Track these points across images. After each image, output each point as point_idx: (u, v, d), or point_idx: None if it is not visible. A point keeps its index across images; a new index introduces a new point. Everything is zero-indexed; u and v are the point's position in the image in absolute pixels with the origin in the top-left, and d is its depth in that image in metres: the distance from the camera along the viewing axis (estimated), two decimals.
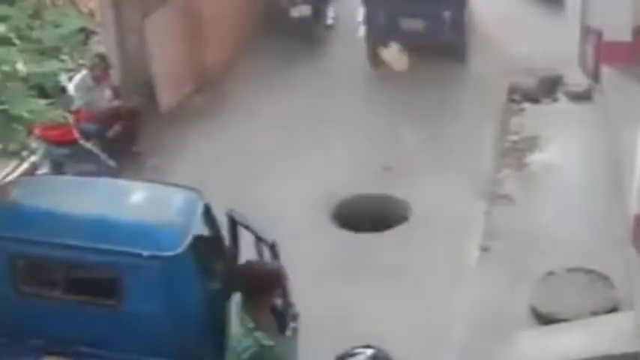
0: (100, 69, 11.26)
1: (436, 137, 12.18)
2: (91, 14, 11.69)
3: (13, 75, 6.99)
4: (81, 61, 9.88)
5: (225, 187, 10.11)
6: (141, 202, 7.68)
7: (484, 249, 10.00)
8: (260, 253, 7.46)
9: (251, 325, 5.66)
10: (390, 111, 12.84)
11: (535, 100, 13.22)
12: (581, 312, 8.75)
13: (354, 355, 4.84)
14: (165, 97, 12.68)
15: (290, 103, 12.95)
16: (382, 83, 13.76)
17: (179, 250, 6.94)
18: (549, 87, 13.35)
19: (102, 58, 11.40)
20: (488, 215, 10.59)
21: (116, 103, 11.54)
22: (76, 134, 10.63)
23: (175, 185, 8.10)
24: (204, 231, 7.54)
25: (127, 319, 7.02)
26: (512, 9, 15.42)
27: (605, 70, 12.90)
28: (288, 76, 13.65)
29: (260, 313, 5.76)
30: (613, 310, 8.76)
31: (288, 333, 7.12)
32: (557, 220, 10.30)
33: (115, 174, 10.23)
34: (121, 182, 8.77)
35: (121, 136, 11.41)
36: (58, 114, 7.70)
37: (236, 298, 5.86)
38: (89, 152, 10.67)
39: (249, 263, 5.95)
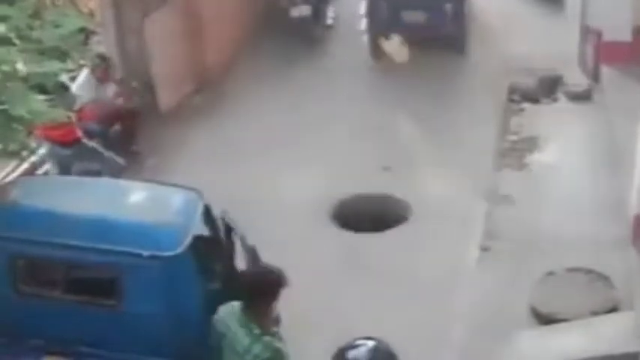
0: (102, 69, 11.26)
1: (436, 137, 12.18)
2: (91, 14, 11.70)
3: (13, 75, 6.99)
4: (82, 61, 9.88)
5: (225, 187, 10.11)
6: (141, 202, 7.68)
7: (484, 249, 10.00)
8: (249, 257, 7.48)
9: (257, 331, 5.67)
10: (390, 111, 12.84)
11: (535, 100, 13.22)
12: (581, 312, 8.75)
13: (355, 346, 4.85)
14: (165, 97, 12.68)
15: (290, 103, 12.95)
16: (382, 83, 13.76)
17: (179, 250, 6.94)
18: (549, 87, 13.35)
19: (103, 58, 11.40)
20: (489, 215, 10.59)
21: (121, 100, 11.50)
22: (79, 133, 10.61)
23: (175, 185, 8.11)
24: (204, 231, 7.54)
25: (126, 319, 7.02)
26: (512, 9, 15.43)
27: (605, 70, 12.91)
28: (288, 76, 13.65)
29: (263, 318, 5.76)
30: (613, 310, 8.76)
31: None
32: (557, 220, 10.30)
33: (121, 171, 10.23)
34: (121, 182, 8.78)
35: (121, 136, 11.41)
36: (59, 113, 7.70)
37: (233, 310, 5.85)
38: (93, 151, 10.65)
39: (250, 268, 5.95)
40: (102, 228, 7.10)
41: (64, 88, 10.35)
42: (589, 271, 9.23)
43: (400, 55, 13.75)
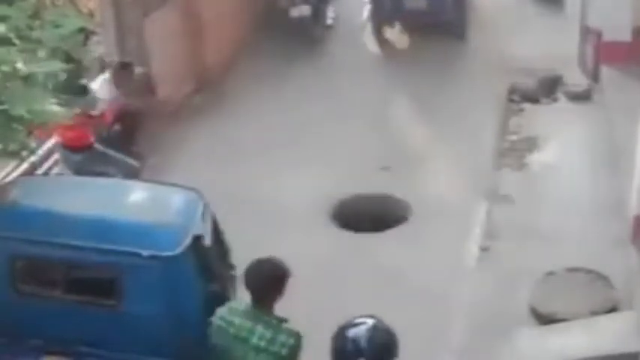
0: (120, 74, 11.01)
1: (436, 137, 12.19)
2: (91, 14, 11.67)
3: (13, 75, 6.99)
4: (83, 62, 9.86)
5: (225, 187, 10.12)
6: (141, 202, 7.67)
7: (484, 249, 10.00)
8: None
9: (274, 321, 5.71)
10: (390, 111, 12.86)
11: (535, 100, 13.23)
12: (581, 312, 8.75)
13: (355, 325, 4.98)
14: (166, 97, 12.67)
15: (290, 103, 12.96)
16: (382, 83, 13.77)
17: (179, 250, 6.93)
18: (549, 87, 13.35)
19: (125, 65, 11.18)
20: (489, 215, 10.60)
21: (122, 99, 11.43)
22: (92, 138, 10.49)
23: (175, 185, 8.11)
24: (204, 231, 7.54)
25: (126, 319, 7.01)
26: (512, 9, 15.44)
27: (605, 71, 12.91)
28: (288, 76, 13.66)
29: (271, 310, 5.83)
30: (613, 310, 8.76)
31: None
32: (557, 220, 10.31)
33: (136, 174, 10.14)
34: (121, 182, 8.77)
35: (121, 136, 11.37)
36: (62, 114, 7.66)
37: (242, 306, 5.88)
38: (105, 155, 10.52)
39: (258, 262, 5.98)
40: (102, 228, 7.09)
41: (84, 89, 10.30)
42: (589, 271, 9.23)
43: (401, 42, 14.35)
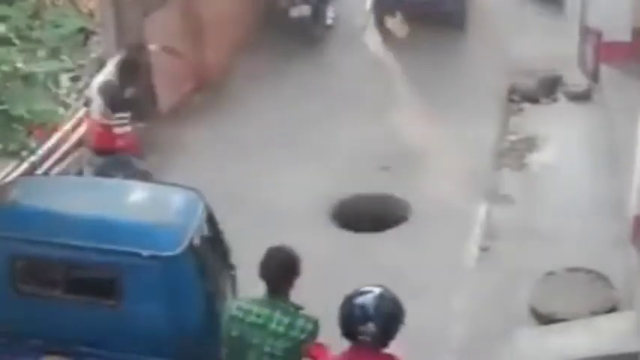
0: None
1: (436, 137, 12.19)
2: (91, 14, 11.68)
3: (13, 75, 7.00)
4: (80, 61, 9.86)
5: (225, 187, 10.11)
6: (141, 202, 7.68)
7: (484, 249, 10.00)
8: None
9: (292, 308, 5.79)
10: (390, 111, 12.85)
11: (534, 101, 13.22)
12: (581, 312, 8.75)
13: (363, 293, 5.08)
14: (165, 97, 12.67)
15: (290, 103, 12.95)
16: (382, 83, 13.76)
17: (179, 250, 6.94)
18: (549, 87, 13.34)
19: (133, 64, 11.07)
20: (488, 215, 10.60)
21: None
22: (119, 143, 10.35)
23: (175, 185, 8.11)
24: (203, 231, 7.54)
25: (127, 319, 7.02)
26: (512, 9, 15.44)
27: (605, 71, 12.90)
28: (287, 76, 13.65)
29: (286, 298, 5.89)
30: (613, 310, 8.77)
31: None
32: (557, 220, 10.31)
33: (149, 178, 10.07)
34: (121, 182, 8.78)
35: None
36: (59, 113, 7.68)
37: (258, 296, 5.89)
38: (127, 162, 10.43)
39: (272, 250, 6.01)
40: (102, 228, 7.10)
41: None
42: (589, 271, 9.23)
43: (401, 32, 14.67)
